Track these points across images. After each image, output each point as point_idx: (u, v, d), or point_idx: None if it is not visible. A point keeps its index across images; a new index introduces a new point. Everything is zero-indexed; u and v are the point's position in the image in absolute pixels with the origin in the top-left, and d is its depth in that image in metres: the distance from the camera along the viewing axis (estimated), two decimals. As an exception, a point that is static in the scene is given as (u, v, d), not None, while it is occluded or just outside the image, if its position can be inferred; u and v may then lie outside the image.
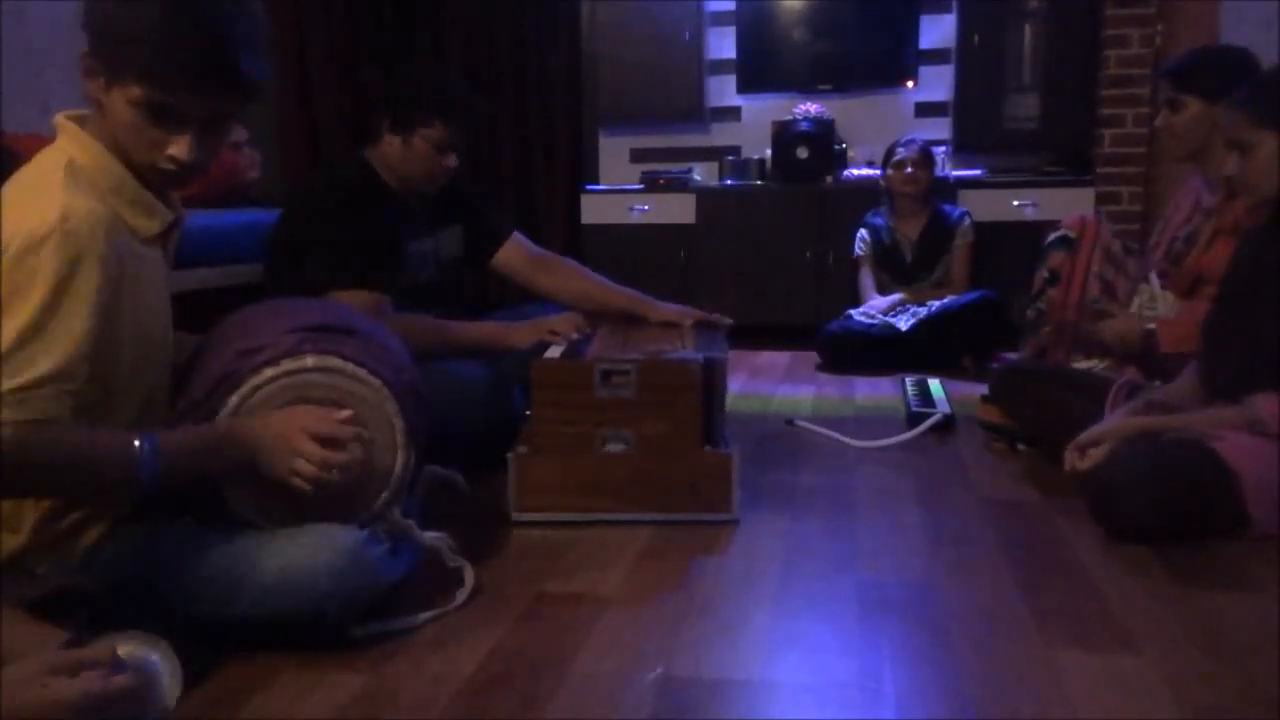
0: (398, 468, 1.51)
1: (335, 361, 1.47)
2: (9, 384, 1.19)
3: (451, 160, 2.36)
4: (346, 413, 1.44)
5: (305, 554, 1.37)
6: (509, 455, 1.98)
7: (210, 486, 1.41)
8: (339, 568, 1.38)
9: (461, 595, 1.58)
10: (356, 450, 1.43)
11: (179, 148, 1.29)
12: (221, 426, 1.40)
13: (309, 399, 1.44)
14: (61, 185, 1.25)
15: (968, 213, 4.06)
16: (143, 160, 1.32)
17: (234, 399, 1.42)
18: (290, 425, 1.38)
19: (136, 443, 1.27)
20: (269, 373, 1.44)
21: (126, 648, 1.15)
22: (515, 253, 2.58)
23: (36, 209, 1.22)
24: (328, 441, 1.39)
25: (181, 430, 1.38)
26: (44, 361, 1.21)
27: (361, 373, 1.49)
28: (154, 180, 1.35)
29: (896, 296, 3.95)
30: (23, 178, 1.31)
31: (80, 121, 1.34)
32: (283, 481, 1.39)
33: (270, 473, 1.39)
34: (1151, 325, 2.34)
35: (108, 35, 1.26)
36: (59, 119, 1.35)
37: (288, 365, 1.45)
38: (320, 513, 1.45)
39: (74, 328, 1.22)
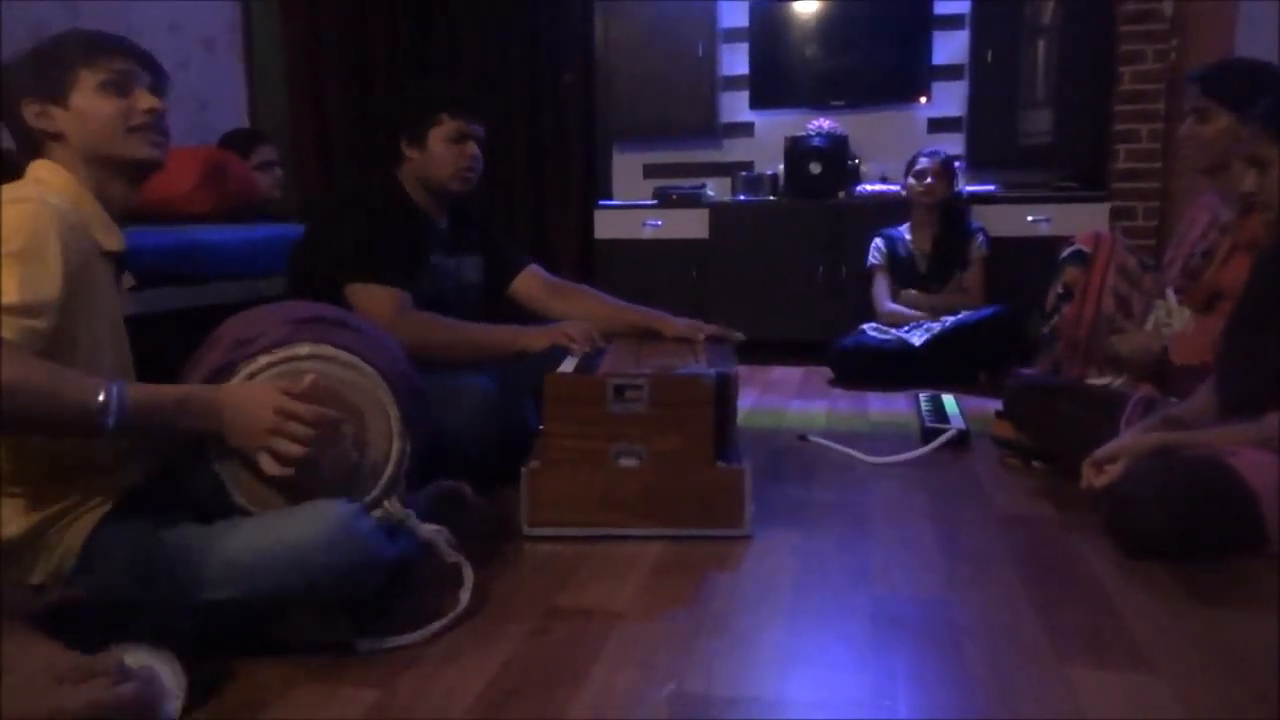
0: (393, 454, 1.53)
1: (329, 349, 1.51)
2: None
3: (471, 148, 2.41)
4: (310, 377, 1.44)
5: (297, 528, 1.38)
6: (521, 469, 1.98)
7: (209, 483, 1.42)
8: (331, 538, 1.38)
9: (465, 596, 1.58)
10: (346, 436, 1.45)
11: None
12: (187, 388, 1.42)
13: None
14: (34, 185, 1.38)
15: (983, 228, 4.06)
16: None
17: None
18: (259, 401, 1.39)
19: (103, 389, 1.25)
20: (263, 360, 1.47)
21: (132, 657, 1.15)
22: (532, 281, 2.65)
23: (13, 191, 1.34)
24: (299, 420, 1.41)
25: (151, 386, 1.37)
26: (14, 294, 1.23)
27: (355, 360, 1.51)
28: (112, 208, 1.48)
29: (912, 311, 3.95)
30: None
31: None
32: (251, 456, 1.40)
33: (239, 445, 1.40)
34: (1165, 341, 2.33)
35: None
36: (32, 164, 1.45)
37: (282, 353, 1.48)
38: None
39: (48, 274, 1.27)
